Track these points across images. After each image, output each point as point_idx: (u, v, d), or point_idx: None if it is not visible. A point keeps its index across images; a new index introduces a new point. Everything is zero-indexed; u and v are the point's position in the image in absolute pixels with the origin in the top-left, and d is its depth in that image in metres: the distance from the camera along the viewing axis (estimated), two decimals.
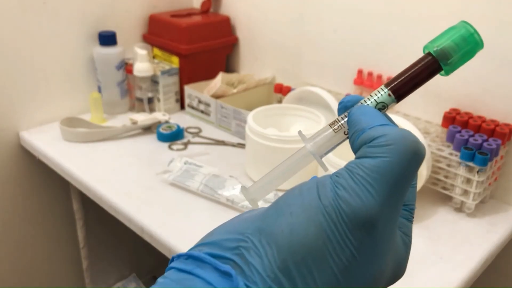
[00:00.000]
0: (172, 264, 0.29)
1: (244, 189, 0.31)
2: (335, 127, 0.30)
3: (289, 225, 0.26)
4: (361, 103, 0.30)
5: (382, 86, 0.30)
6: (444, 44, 0.29)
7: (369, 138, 0.27)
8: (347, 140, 0.30)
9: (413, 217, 0.31)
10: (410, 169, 0.26)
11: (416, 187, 0.31)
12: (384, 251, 0.26)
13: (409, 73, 0.30)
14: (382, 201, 0.25)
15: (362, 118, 0.28)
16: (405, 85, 0.30)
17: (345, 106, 0.31)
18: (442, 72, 0.30)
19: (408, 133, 0.26)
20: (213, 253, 0.28)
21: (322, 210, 0.25)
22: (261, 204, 0.31)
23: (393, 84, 0.30)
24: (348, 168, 0.26)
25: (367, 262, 0.25)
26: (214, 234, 0.29)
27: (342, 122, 0.30)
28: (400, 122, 0.80)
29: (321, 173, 0.81)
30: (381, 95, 0.30)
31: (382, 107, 0.30)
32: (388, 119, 0.29)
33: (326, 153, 0.31)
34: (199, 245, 0.29)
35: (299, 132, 0.33)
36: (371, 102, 0.30)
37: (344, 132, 0.30)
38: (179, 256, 0.29)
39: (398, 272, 0.28)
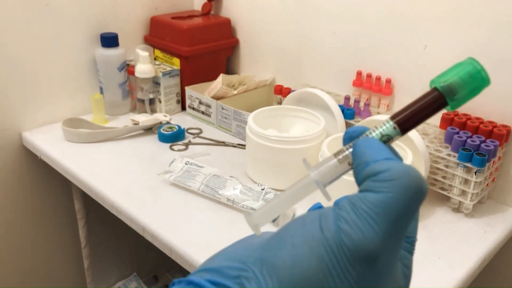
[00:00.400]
0: None
1: (247, 215, 0.32)
2: (340, 157, 0.31)
3: (290, 257, 0.26)
4: (366, 135, 0.31)
5: (388, 119, 0.31)
6: (451, 80, 0.29)
7: (373, 172, 0.27)
8: (351, 171, 0.30)
9: (414, 249, 0.32)
10: (413, 205, 0.26)
11: (418, 220, 0.32)
12: (384, 284, 0.26)
13: (415, 107, 0.30)
14: (384, 236, 0.25)
15: (366, 151, 0.29)
16: (410, 118, 0.30)
17: (351, 137, 0.31)
18: (448, 107, 0.30)
19: (411, 169, 0.26)
20: (214, 280, 0.28)
21: (324, 243, 0.25)
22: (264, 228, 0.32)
23: (398, 117, 0.30)
24: (351, 201, 0.26)
25: None
26: (216, 260, 0.30)
27: (347, 152, 0.31)
28: None
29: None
30: (387, 127, 0.30)
31: (387, 139, 0.30)
32: (392, 152, 0.30)
33: (329, 183, 0.31)
34: (200, 270, 0.29)
35: (304, 160, 0.33)
36: (376, 134, 0.30)
37: (349, 162, 0.31)
38: (180, 281, 0.29)
39: None
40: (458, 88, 0.29)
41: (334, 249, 0.25)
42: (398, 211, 0.25)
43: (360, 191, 0.27)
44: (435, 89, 0.30)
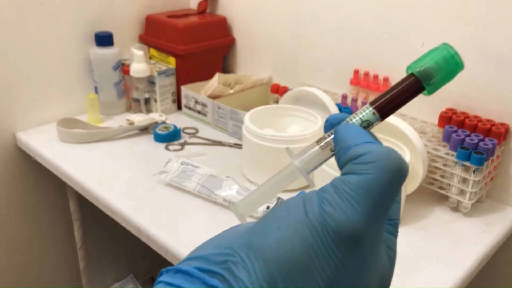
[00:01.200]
0: (161, 278, 0.29)
1: (232, 204, 0.32)
2: (322, 144, 0.31)
3: (276, 240, 0.27)
4: (347, 121, 0.31)
5: (367, 105, 0.32)
6: (426, 65, 0.30)
7: (354, 155, 0.27)
8: (333, 157, 0.31)
9: (397, 232, 0.32)
10: (394, 186, 0.27)
11: (400, 202, 0.32)
12: (368, 265, 0.27)
13: (393, 92, 0.31)
14: (366, 216, 0.25)
15: (347, 136, 0.29)
16: (389, 104, 0.31)
17: (332, 124, 0.32)
18: (425, 91, 0.31)
19: (391, 151, 0.27)
20: (202, 267, 0.28)
21: (308, 225, 0.26)
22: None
23: (377, 103, 0.31)
24: (334, 184, 0.27)
25: (352, 276, 0.26)
26: (203, 249, 0.30)
27: (329, 139, 0.31)
28: (396, 122, 0.80)
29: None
30: (366, 113, 0.31)
31: (367, 125, 0.31)
32: (373, 136, 0.30)
33: (312, 170, 0.32)
34: (188, 259, 0.30)
35: (287, 148, 0.34)
36: (356, 120, 0.31)
37: (331, 149, 0.31)
38: (168, 270, 0.30)
39: (383, 285, 0.29)
40: (433, 72, 0.30)
41: (318, 231, 0.26)
42: (379, 191, 0.26)
43: (342, 174, 0.28)
44: (411, 74, 0.31)
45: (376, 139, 0.30)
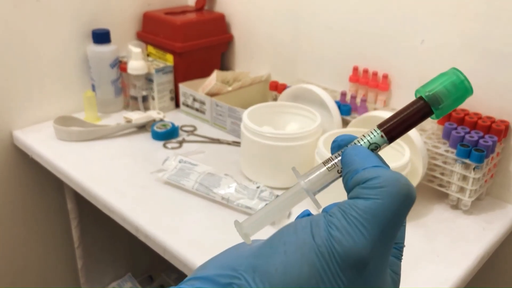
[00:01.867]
0: None
1: (237, 224, 0.32)
2: (329, 165, 0.31)
3: (282, 264, 0.26)
4: (355, 143, 0.31)
5: (375, 127, 0.32)
6: (436, 89, 0.30)
7: (362, 179, 0.27)
8: (340, 179, 0.31)
9: (402, 255, 0.32)
10: (402, 211, 0.26)
11: (405, 226, 0.32)
12: None
13: (402, 115, 0.31)
14: (373, 242, 0.25)
15: (355, 159, 0.29)
16: (397, 127, 0.31)
17: (339, 145, 0.32)
18: (433, 116, 0.31)
19: (400, 176, 0.27)
20: None
21: (316, 250, 0.26)
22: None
23: (385, 126, 0.31)
24: (341, 208, 0.27)
25: None
26: (207, 268, 0.30)
27: (336, 161, 0.31)
28: None
29: None
30: (374, 136, 0.31)
31: (375, 147, 0.31)
32: (380, 160, 0.30)
33: (319, 191, 0.32)
34: (191, 278, 0.29)
35: (293, 168, 0.34)
36: (364, 142, 0.31)
37: (338, 170, 0.31)
38: None
39: None
40: (442, 97, 0.30)
41: (325, 256, 0.26)
42: (387, 217, 0.26)
43: (350, 198, 0.27)
44: (420, 98, 0.31)
45: (384, 163, 0.30)
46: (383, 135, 0.31)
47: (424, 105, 0.31)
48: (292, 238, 0.27)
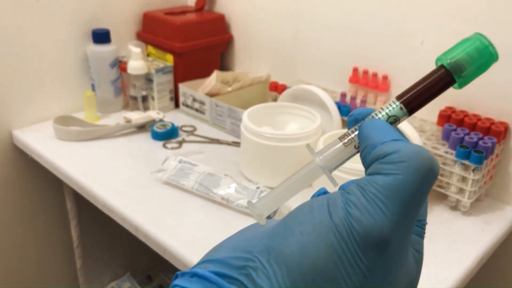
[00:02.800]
0: (176, 282, 0.28)
1: (250, 204, 0.30)
2: (345, 140, 0.30)
3: (299, 245, 0.25)
4: (372, 116, 0.30)
5: (394, 99, 0.30)
6: (458, 56, 0.29)
7: (381, 154, 0.26)
8: (358, 154, 0.29)
9: (424, 233, 0.31)
10: (425, 187, 0.25)
11: (427, 202, 0.31)
12: (396, 270, 0.25)
13: (422, 85, 0.29)
14: (395, 220, 0.24)
15: (373, 132, 0.28)
16: (417, 98, 0.29)
17: (355, 119, 0.30)
18: (456, 85, 0.29)
19: (422, 150, 0.25)
20: (219, 271, 0.27)
21: (333, 229, 0.25)
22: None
23: (405, 97, 0.29)
24: (359, 185, 0.26)
25: (379, 283, 0.25)
26: (221, 250, 0.29)
27: (353, 135, 0.30)
28: None
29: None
30: (393, 108, 0.29)
31: (393, 120, 0.29)
32: (400, 133, 0.29)
33: (335, 168, 0.30)
34: (204, 261, 0.28)
35: (308, 145, 0.32)
36: (383, 115, 0.30)
37: (355, 146, 0.30)
38: (184, 273, 0.28)
39: None
40: (465, 64, 0.28)
41: (344, 236, 0.24)
42: (409, 193, 0.24)
43: (368, 174, 0.26)
44: (441, 66, 0.29)
45: (404, 136, 0.28)
46: (403, 107, 0.29)
47: (446, 73, 0.29)
48: (308, 218, 0.26)
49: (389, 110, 0.30)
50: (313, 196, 0.31)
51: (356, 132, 0.29)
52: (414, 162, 0.25)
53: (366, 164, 0.27)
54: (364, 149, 0.28)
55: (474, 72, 0.29)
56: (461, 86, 0.29)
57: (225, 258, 0.27)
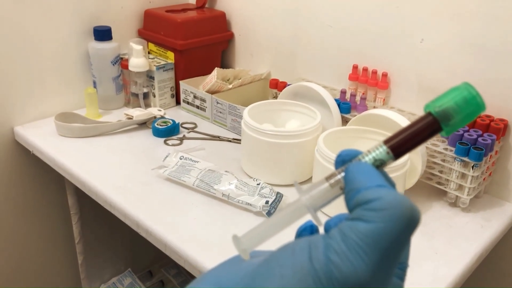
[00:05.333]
0: None
1: (235, 238, 0.31)
2: (332, 181, 0.30)
3: None
4: (359, 159, 0.30)
5: (381, 143, 0.30)
6: (446, 105, 0.29)
7: (363, 200, 0.26)
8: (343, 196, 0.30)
9: (405, 276, 0.31)
10: (405, 235, 0.25)
11: (410, 245, 0.30)
12: None
13: (409, 132, 0.30)
14: (374, 268, 0.24)
15: (358, 177, 0.28)
16: (404, 143, 0.30)
17: (343, 160, 0.31)
18: (442, 132, 0.30)
19: (403, 198, 0.26)
20: None
21: (313, 274, 0.25)
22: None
23: (392, 142, 0.30)
24: (341, 230, 0.26)
25: None
26: (203, 283, 0.29)
27: (339, 176, 0.30)
28: (394, 117, 0.80)
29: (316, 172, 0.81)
30: (380, 152, 0.30)
31: (380, 164, 0.30)
32: (385, 178, 0.29)
33: (321, 207, 0.31)
34: None
35: (295, 182, 0.32)
36: (369, 158, 0.30)
37: (340, 187, 0.30)
38: None
39: None
40: (453, 113, 0.29)
41: (323, 281, 0.25)
42: (389, 242, 0.25)
43: (351, 219, 0.26)
44: (429, 114, 0.29)
45: (388, 181, 0.29)
46: (389, 151, 0.30)
47: (433, 121, 0.29)
48: (289, 261, 0.26)
49: (376, 154, 0.30)
50: (299, 229, 0.32)
51: (343, 174, 0.30)
52: (396, 211, 0.25)
53: (350, 208, 0.27)
54: (348, 192, 0.28)
55: (461, 121, 0.29)
56: (447, 133, 0.30)
57: None
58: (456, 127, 0.29)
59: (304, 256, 0.26)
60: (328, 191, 0.30)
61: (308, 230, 0.32)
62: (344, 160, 0.31)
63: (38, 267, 1.27)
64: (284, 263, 0.26)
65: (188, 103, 1.17)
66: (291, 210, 0.31)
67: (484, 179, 0.85)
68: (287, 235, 0.32)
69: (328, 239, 0.26)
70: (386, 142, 0.30)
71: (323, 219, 0.30)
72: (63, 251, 1.30)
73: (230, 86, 1.13)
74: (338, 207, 0.31)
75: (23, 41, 1.04)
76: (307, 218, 0.31)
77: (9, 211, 1.15)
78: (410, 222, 0.25)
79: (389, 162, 0.30)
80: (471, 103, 0.29)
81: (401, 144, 0.30)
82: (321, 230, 0.31)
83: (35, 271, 1.26)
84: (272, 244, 0.31)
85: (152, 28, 1.20)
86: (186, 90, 1.15)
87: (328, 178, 0.30)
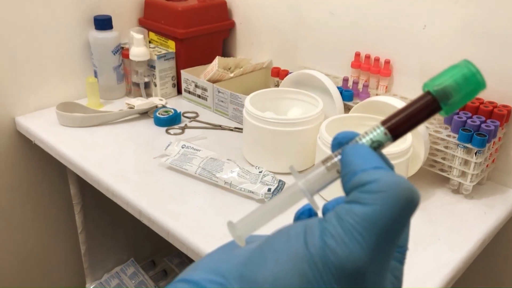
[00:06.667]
0: None
1: (230, 224, 0.30)
2: (328, 164, 0.29)
3: (273, 274, 0.25)
4: (356, 141, 0.29)
5: (379, 124, 0.29)
6: (445, 83, 0.28)
7: (360, 182, 0.25)
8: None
9: (405, 259, 0.30)
10: (403, 218, 0.25)
11: (409, 228, 0.30)
12: None
13: (407, 112, 0.29)
14: (371, 252, 0.24)
15: (355, 159, 0.27)
16: (402, 124, 0.29)
17: (339, 143, 0.30)
18: (442, 111, 0.29)
19: (401, 180, 0.25)
20: None
21: (309, 259, 0.24)
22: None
23: (389, 123, 0.29)
24: (337, 213, 0.25)
25: None
26: (198, 270, 0.29)
27: (336, 159, 0.29)
28: (397, 104, 0.80)
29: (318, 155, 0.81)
30: (377, 133, 0.29)
31: (377, 145, 0.29)
32: (383, 159, 0.28)
33: (318, 191, 0.30)
34: (180, 280, 0.29)
35: (291, 167, 0.32)
36: (366, 140, 0.29)
37: (337, 170, 0.29)
38: None
39: None
40: (452, 92, 0.28)
41: (319, 266, 0.24)
42: (386, 225, 0.24)
43: (347, 202, 0.26)
44: (428, 93, 0.29)
45: (386, 163, 0.28)
46: (387, 132, 0.29)
47: (432, 100, 0.28)
48: (284, 246, 0.26)
49: (373, 135, 0.29)
50: (297, 213, 0.31)
51: (339, 157, 0.29)
52: (393, 193, 0.24)
53: (346, 191, 0.27)
54: (345, 175, 0.27)
55: (461, 99, 0.28)
56: (447, 113, 0.29)
57: (200, 279, 0.28)
58: (456, 106, 0.29)
59: (300, 241, 0.25)
60: (324, 174, 0.29)
61: (306, 213, 0.31)
62: (341, 142, 0.30)
63: (41, 257, 1.27)
64: (279, 249, 0.26)
65: (189, 92, 1.16)
66: (288, 195, 0.30)
67: (487, 165, 0.84)
68: (285, 220, 0.32)
69: (324, 222, 0.25)
70: (383, 123, 0.29)
71: (321, 203, 0.29)
72: (65, 241, 1.30)
73: (232, 75, 1.13)
74: (337, 189, 0.30)
75: (24, 31, 1.04)
76: (305, 202, 0.31)
77: (11, 201, 1.15)
78: (408, 204, 0.25)
79: (387, 144, 0.29)
80: (471, 80, 0.28)
81: (399, 125, 0.29)
82: (319, 214, 0.31)
83: (38, 261, 1.27)
84: (270, 229, 0.30)
85: (153, 17, 1.19)
86: (187, 79, 1.15)
87: (324, 161, 0.30)
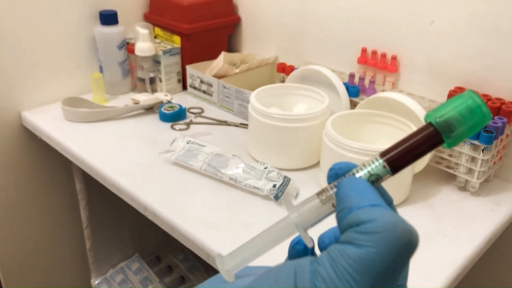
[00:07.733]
0: None
1: (219, 258, 0.29)
2: (323, 197, 0.28)
3: None
4: (353, 173, 0.28)
5: (377, 156, 0.28)
6: (448, 115, 0.27)
7: (356, 222, 0.24)
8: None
9: None
10: (400, 261, 0.23)
11: (408, 268, 0.28)
12: None
13: (407, 144, 0.28)
14: None
15: (351, 194, 0.26)
16: (402, 157, 0.28)
17: (336, 174, 0.29)
18: (444, 145, 0.27)
19: (399, 220, 0.24)
20: None
21: None
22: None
23: (389, 155, 0.28)
24: (330, 255, 0.24)
25: None
26: None
27: (331, 192, 0.28)
28: (404, 100, 0.79)
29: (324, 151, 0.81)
30: (376, 166, 0.28)
31: (375, 179, 0.28)
32: (381, 195, 0.27)
33: (312, 225, 0.28)
34: None
35: (284, 199, 0.31)
36: (364, 173, 0.28)
37: (332, 204, 0.28)
38: None
39: None
40: (456, 124, 0.27)
41: None
42: (382, 269, 0.23)
43: (341, 242, 0.24)
44: (430, 124, 0.27)
45: (385, 198, 0.27)
46: (386, 165, 0.27)
47: (434, 132, 0.27)
48: None
49: (371, 168, 0.28)
50: (292, 242, 0.30)
51: (335, 189, 0.28)
52: (390, 235, 0.23)
53: (341, 229, 0.25)
54: (339, 211, 0.26)
55: (465, 132, 0.27)
56: (449, 146, 0.28)
57: None
58: (460, 139, 0.27)
59: (289, 283, 0.24)
60: (319, 207, 0.28)
61: (302, 243, 0.30)
62: (337, 174, 0.28)
63: (46, 252, 1.27)
64: None
65: (194, 88, 1.16)
66: (279, 228, 0.29)
67: (494, 163, 0.84)
68: (279, 248, 0.30)
69: (316, 265, 0.24)
70: (382, 155, 0.28)
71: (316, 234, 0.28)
72: (70, 236, 1.30)
73: (237, 70, 1.12)
74: None
75: (30, 26, 1.04)
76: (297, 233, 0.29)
77: (17, 196, 1.16)
78: (406, 247, 0.23)
79: (386, 177, 0.28)
80: (476, 113, 0.26)
81: (398, 158, 0.27)
82: (316, 247, 0.30)
83: (43, 256, 1.27)
84: (262, 259, 0.29)
85: (158, 12, 1.19)
86: (193, 74, 1.15)
87: (319, 194, 0.28)
